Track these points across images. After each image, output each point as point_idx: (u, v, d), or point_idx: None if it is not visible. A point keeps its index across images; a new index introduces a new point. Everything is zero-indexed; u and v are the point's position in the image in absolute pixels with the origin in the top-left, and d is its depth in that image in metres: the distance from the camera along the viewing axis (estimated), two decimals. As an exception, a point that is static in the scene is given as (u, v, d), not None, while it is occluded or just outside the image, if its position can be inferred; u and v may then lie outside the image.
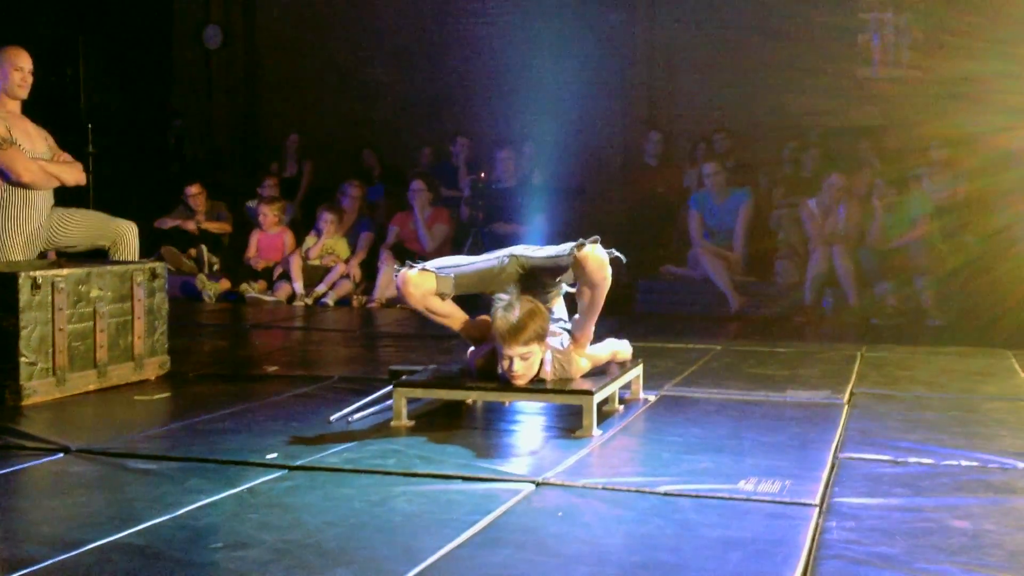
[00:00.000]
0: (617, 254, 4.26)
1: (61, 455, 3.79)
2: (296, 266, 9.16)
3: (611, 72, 10.85)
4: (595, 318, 4.34)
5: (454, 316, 4.38)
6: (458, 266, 4.35)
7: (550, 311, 4.39)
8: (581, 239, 4.17)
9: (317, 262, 9.24)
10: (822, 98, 10.03)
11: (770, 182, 9.64)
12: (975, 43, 9.29)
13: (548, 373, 4.22)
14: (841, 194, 8.33)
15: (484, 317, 4.42)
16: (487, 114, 11.04)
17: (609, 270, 4.19)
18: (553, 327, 4.32)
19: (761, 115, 10.21)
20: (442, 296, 4.27)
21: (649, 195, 9.85)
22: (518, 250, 4.39)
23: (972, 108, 8.75)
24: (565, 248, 4.20)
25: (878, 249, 8.18)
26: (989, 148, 8.37)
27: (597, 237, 4.18)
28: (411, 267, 4.27)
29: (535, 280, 4.30)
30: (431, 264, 4.33)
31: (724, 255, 8.63)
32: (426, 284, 4.22)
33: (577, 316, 4.37)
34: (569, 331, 4.41)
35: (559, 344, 4.32)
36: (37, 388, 4.72)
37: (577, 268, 4.16)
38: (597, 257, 4.14)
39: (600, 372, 4.43)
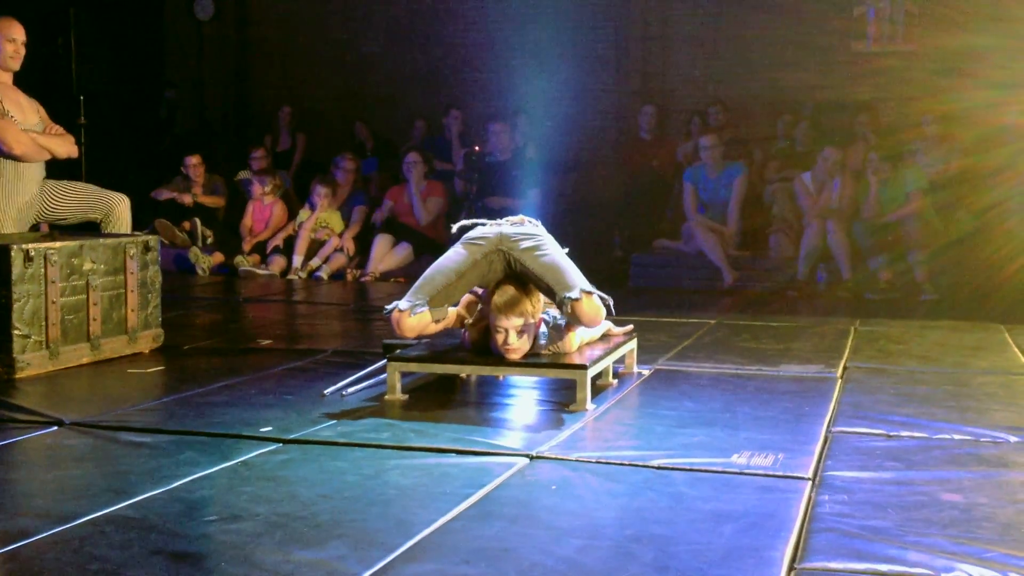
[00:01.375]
0: (609, 302, 4.15)
1: (55, 428, 3.79)
2: (303, 240, 9.13)
3: (605, 45, 10.81)
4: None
5: (449, 320, 4.34)
6: (448, 284, 4.19)
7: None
8: (577, 290, 4.03)
9: (312, 235, 9.23)
10: (816, 72, 10.02)
11: (764, 156, 9.64)
12: (969, 18, 9.27)
13: (542, 347, 4.22)
14: (836, 168, 8.33)
15: (469, 297, 4.41)
16: (481, 87, 11.00)
17: (603, 315, 4.14)
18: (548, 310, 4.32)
19: (755, 89, 10.19)
20: (437, 321, 4.22)
21: (643, 169, 9.83)
22: (507, 234, 4.21)
23: (966, 83, 8.75)
24: (563, 285, 4.05)
25: (872, 224, 8.18)
26: (983, 123, 8.37)
27: (592, 289, 4.08)
28: (400, 310, 4.13)
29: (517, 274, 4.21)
30: (419, 294, 4.17)
31: (718, 229, 8.63)
32: (422, 322, 4.16)
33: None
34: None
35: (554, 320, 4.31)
36: (30, 361, 4.71)
37: (571, 315, 4.10)
38: (594, 308, 4.06)
39: (594, 347, 4.43)
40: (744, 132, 9.83)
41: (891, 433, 3.72)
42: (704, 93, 10.32)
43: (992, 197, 7.93)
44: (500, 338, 4.10)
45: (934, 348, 5.53)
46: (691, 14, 10.61)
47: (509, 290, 4.06)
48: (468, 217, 8.20)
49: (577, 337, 4.34)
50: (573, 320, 4.13)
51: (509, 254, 4.18)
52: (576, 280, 4.11)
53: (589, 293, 4.07)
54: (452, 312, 4.32)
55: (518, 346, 4.10)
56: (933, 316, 6.79)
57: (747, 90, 10.22)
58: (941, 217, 8.13)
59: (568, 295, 4.04)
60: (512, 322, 4.06)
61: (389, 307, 4.20)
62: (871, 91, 9.82)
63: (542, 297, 4.21)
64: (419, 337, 4.28)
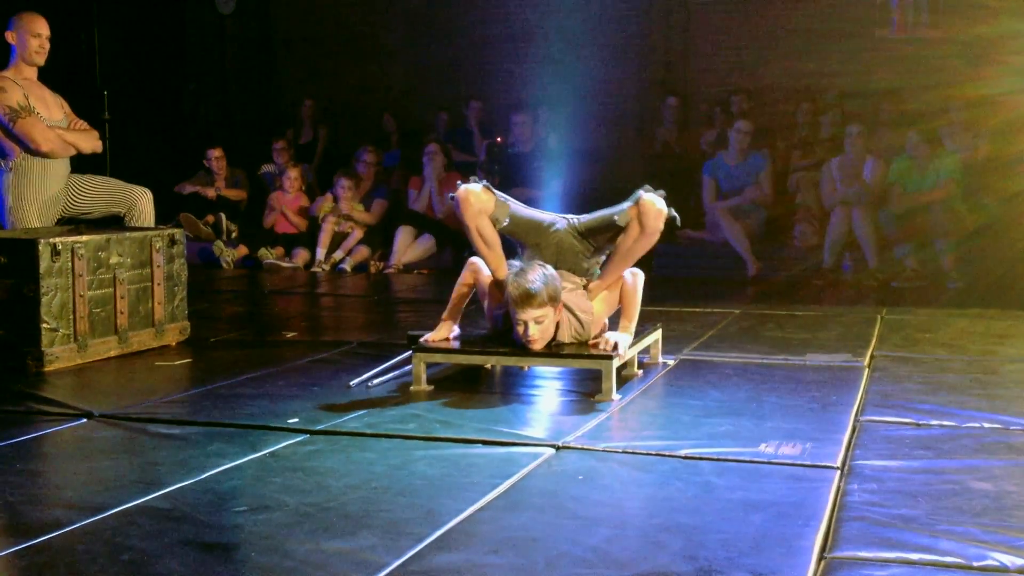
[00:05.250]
0: (675, 213, 4.28)
1: (84, 420, 3.82)
2: (326, 233, 9.13)
3: (627, 34, 10.77)
4: (626, 266, 4.32)
5: (495, 251, 4.35)
6: (515, 201, 4.40)
7: (590, 273, 4.37)
8: (647, 186, 4.24)
9: (335, 228, 9.23)
10: (840, 60, 9.94)
11: (787, 145, 9.58)
12: (994, 3, 9.18)
13: (566, 336, 4.21)
14: (861, 141, 8.29)
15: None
16: (503, 78, 10.97)
17: (662, 224, 4.23)
18: (568, 284, 4.28)
19: (778, 78, 10.13)
20: (495, 222, 4.29)
21: (666, 159, 9.79)
22: (572, 218, 4.41)
23: (991, 69, 8.66)
24: (627, 202, 4.24)
25: (898, 211, 8.12)
26: (1009, 109, 8.29)
27: (663, 192, 4.24)
28: (475, 181, 4.31)
29: (582, 246, 4.32)
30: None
31: (742, 217, 8.54)
32: (485, 202, 4.27)
33: (609, 260, 4.35)
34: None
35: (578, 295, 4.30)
36: (59, 354, 4.75)
37: (636, 213, 4.19)
38: (656, 207, 4.19)
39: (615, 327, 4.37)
40: (767, 121, 9.78)
41: (920, 422, 3.70)
42: (727, 82, 10.26)
43: (1019, 183, 7.85)
44: (520, 329, 4.09)
45: (961, 336, 5.50)
46: (714, 3, 10.56)
47: (526, 282, 4.03)
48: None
49: (602, 305, 4.32)
50: (636, 220, 4.18)
51: (573, 225, 4.36)
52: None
53: (660, 194, 4.22)
54: (501, 254, 4.34)
55: (539, 337, 4.10)
56: (960, 304, 6.74)
57: (770, 79, 10.17)
58: (968, 204, 8.07)
59: (631, 199, 4.21)
60: (530, 314, 4.05)
61: (461, 182, 4.37)
62: (895, 78, 9.72)
63: (562, 284, 4.19)
64: (475, 227, 4.27)
